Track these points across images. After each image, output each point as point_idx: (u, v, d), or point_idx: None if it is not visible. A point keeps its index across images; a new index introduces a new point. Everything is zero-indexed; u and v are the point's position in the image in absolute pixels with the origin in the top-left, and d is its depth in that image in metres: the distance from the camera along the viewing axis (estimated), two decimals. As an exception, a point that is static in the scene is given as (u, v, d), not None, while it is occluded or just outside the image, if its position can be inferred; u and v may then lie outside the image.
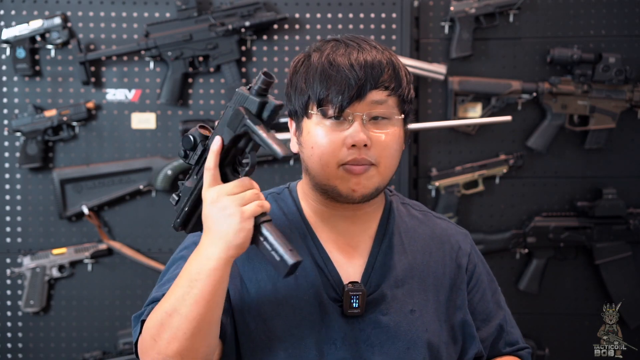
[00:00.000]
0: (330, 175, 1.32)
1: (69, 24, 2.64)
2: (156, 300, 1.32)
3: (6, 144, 2.71)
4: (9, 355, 2.73)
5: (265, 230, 1.20)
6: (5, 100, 2.70)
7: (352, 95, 1.29)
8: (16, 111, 2.68)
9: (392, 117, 1.33)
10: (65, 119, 2.63)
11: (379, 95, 1.31)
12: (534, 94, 2.65)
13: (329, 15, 2.67)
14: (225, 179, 1.24)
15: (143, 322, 1.30)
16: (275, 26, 2.67)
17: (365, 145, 1.30)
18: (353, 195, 1.33)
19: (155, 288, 1.38)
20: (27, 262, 2.67)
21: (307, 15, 2.67)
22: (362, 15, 2.66)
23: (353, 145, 1.30)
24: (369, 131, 1.31)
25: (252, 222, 1.20)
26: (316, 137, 1.33)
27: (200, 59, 2.66)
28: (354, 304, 1.33)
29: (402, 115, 1.35)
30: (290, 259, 1.17)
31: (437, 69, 2.62)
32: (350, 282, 1.35)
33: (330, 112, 1.31)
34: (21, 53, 2.63)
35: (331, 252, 1.39)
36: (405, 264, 1.40)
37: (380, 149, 1.31)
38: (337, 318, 1.34)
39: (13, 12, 2.68)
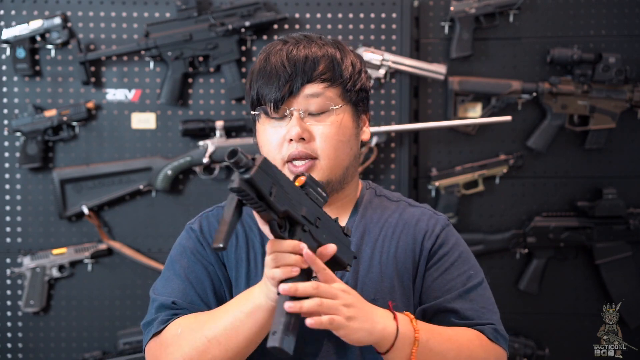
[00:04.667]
0: None
1: (69, 24, 2.64)
2: (165, 307, 1.35)
3: (6, 144, 2.71)
4: (9, 355, 2.73)
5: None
6: (5, 100, 2.70)
7: (285, 91, 1.32)
8: (16, 111, 2.68)
9: (330, 108, 1.34)
10: (65, 119, 2.63)
11: (314, 89, 1.33)
12: (534, 94, 2.65)
13: (329, 15, 2.67)
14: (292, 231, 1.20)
15: (158, 331, 1.33)
16: (275, 26, 2.67)
17: (303, 139, 1.32)
18: None
19: (159, 285, 1.40)
20: (27, 262, 2.67)
21: (307, 15, 2.67)
22: (362, 15, 2.66)
23: (292, 140, 1.32)
24: (309, 125, 1.33)
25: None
26: (263, 135, 1.37)
27: (200, 59, 2.66)
28: None
29: (342, 104, 1.35)
30: (274, 342, 1.13)
31: (437, 69, 2.62)
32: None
33: (269, 109, 1.34)
34: (21, 53, 2.63)
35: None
36: (369, 254, 1.40)
37: (321, 141, 1.33)
38: None
39: (13, 12, 2.68)
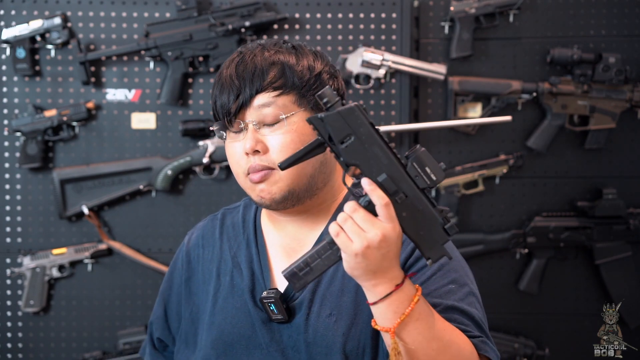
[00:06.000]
0: (243, 186, 1.33)
1: (69, 24, 2.64)
2: (148, 332, 1.53)
3: (6, 144, 2.71)
4: (9, 355, 2.73)
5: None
6: (5, 100, 2.70)
7: (236, 104, 1.29)
8: (16, 111, 2.68)
9: (280, 117, 1.29)
10: (65, 119, 2.63)
11: (264, 99, 1.29)
12: (534, 94, 2.65)
13: (329, 15, 2.67)
14: None
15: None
16: (275, 26, 2.67)
17: (259, 151, 1.28)
18: (264, 203, 1.32)
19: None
20: (27, 262, 2.67)
21: (307, 15, 2.67)
22: (362, 15, 2.66)
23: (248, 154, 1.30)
24: (264, 135, 1.29)
25: None
26: (226, 149, 1.35)
27: (200, 59, 2.66)
28: (275, 311, 1.32)
29: (297, 111, 1.30)
30: (285, 271, 1.19)
31: (437, 69, 2.62)
32: (268, 290, 1.34)
33: (225, 123, 1.31)
34: (21, 53, 2.63)
35: (275, 257, 1.39)
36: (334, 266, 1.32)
37: (276, 152, 1.28)
38: (262, 325, 1.34)
39: (13, 12, 2.68)
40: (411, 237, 1.16)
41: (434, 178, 1.13)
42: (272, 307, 1.32)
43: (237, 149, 1.31)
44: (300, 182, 1.31)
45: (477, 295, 1.32)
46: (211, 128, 1.36)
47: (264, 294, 1.33)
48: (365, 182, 1.12)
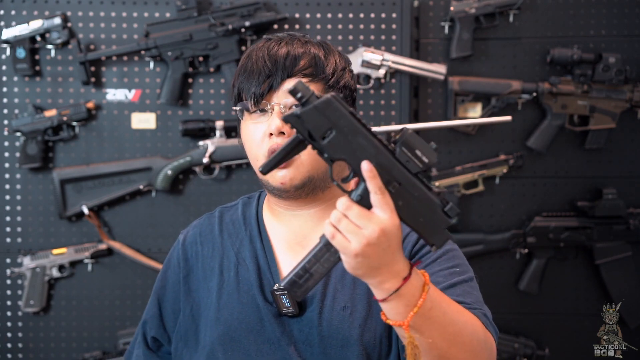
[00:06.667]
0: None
1: (69, 24, 2.64)
2: (140, 331, 1.53)
3: (6, 144, 2.71)
4: (9, 355, 2.73)
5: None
6: (5, 100, 2.70)
7: (265, 86, 1.30)
8: (16, 111, 2.68)
9: None
10: (65, 119, 2.63)
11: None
12: (534, 94, 2.65)
13: (329, 15, 2.67)
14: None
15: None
16: (275, 26, 2.67)
17: (283, 133, 1.29)
18: (284, 187, 1.31)
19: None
20: (27, 262, 2.67)
21: (307, 15, 2.67)
22: (362, 15, 2.66)
23: (272, 134, 1.29)
24: None
25: None
26: (245, 131, 1.35)
27: (200, 59, 2.66)
28: (287, 304, 1.31)
29: None
30: (283, 281, 1.16)
31: (437, 69, 2.62)
32: (280, 282, 1.34)
33: (250, 105, 1.32)
34: (21, 53, 2.63)
35: (280, 252, 1.39)
36: None
37: None
38: (272, 319, 1.33)
39: (13, 12, 2.68)
40: (411, 225, 1.10)
41: (426, 160, 1.08)
42: (284, 299, 1.31)
43: (258, 131, 1.32)
44: (319, 170, 1.32)
45: (476, 285, 1.33)
46: (234, 109, 1.36)
47: (276, 286, 1.33)
48: (366, 167, 1.06)
